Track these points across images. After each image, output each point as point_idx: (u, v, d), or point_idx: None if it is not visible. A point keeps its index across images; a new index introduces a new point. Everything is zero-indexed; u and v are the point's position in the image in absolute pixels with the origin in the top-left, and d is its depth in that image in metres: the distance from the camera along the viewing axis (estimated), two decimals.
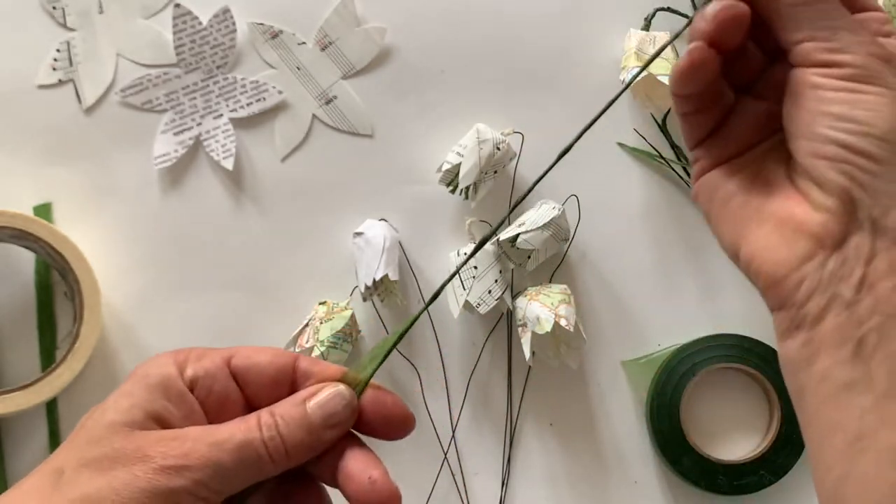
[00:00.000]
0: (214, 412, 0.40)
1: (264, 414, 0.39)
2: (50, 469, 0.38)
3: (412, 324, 0.44)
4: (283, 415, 0.39)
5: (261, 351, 0.42)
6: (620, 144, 0.72)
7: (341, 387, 0.41)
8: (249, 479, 0.39)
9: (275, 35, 0.70)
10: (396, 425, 0.43)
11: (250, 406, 0.41)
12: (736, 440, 0.69)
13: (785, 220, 0.38)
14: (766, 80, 0.42)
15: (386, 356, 0.42)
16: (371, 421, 0.42)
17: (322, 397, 0.40)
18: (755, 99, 0.43)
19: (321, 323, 0.65)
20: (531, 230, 0.65)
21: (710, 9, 0.39)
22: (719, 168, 0.43)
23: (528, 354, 0.64)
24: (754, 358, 0.68)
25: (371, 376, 0.42)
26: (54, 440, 0.66)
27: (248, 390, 0.41)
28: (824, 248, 0.37)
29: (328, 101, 0.70)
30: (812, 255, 0.37)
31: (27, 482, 0.38)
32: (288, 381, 0.41)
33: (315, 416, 0.40)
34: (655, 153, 0.71)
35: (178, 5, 0.69)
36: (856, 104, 0.37)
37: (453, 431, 0.69)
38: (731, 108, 0.43)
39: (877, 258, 0.36)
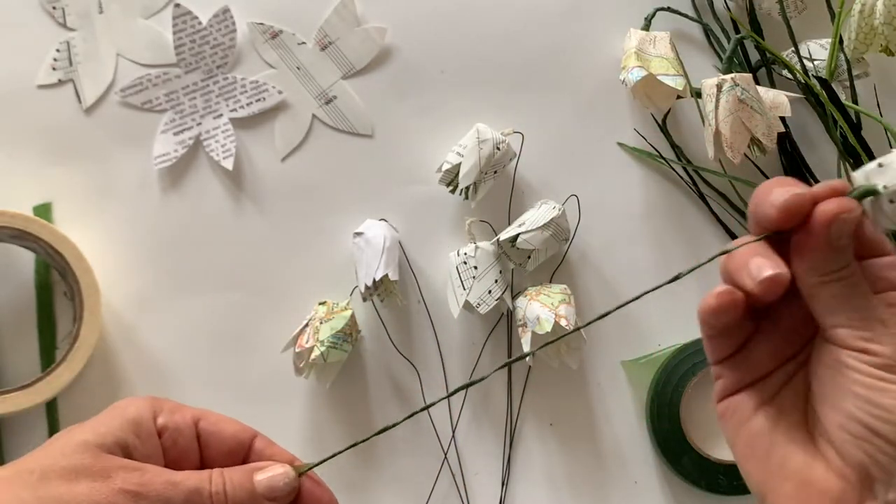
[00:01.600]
0: (172, 461, 0.45)
1: (216, 472, 0.45)
2: (21, 468, 0.42)
3: (375, 434, 0.48)
4: (233, 478, 0.45)
5: (227, 421, 0.47)
6: (620, 144, 0.72)
7: (288, 468, 0.46)
8: None
9: (275, 35, 0.70)
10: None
11: (203, 465, 0.46)
12: None
13: (806, 482, 0.41)
14: (784, 311, 0.45)
15: (337, 454, 0.47)
16: None
17: (270, 473, 0.46)
18: (774, 325, 0.45)
19: (321, 323, 0.65)
20: (531, 230, 0.65)
21: (755, 269, 0.43)
22: (743, 393, 0.45)
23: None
24: None
25: (317, 465, 0.47)
26: None
27: (206, 452, 0.47)
28: None
29: (328, 101, 0.70)
30: None
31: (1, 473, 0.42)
32: (242, 454, 0.47)
33: (260, 486, 0.45)
34: (655, 153, 0.71)
35: (178, 5, 0.69)
36: (885, 392, 0.39)
37: (453, 431, 0.69)
38: (753, 333, 0.45)
39: None
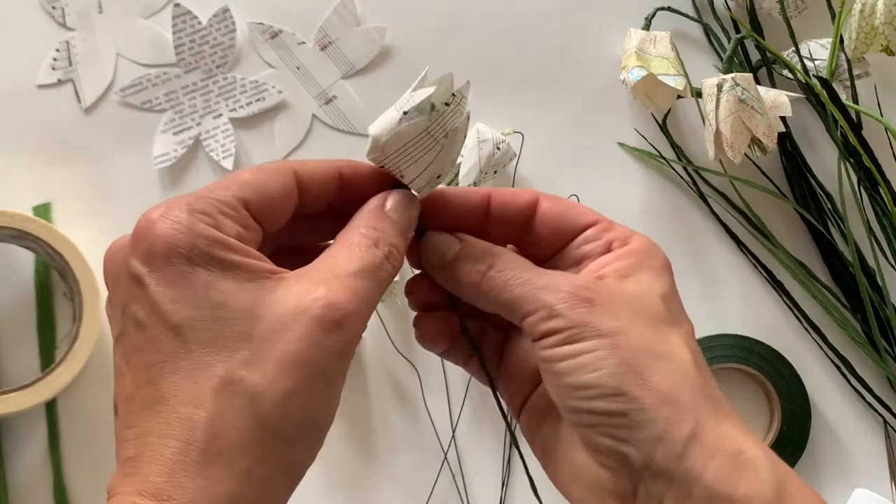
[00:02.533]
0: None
1: (365, 231, 0.38)
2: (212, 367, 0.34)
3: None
4: (378, 227, 0.38)
5: (268, 179, 0.38)
6: (621, 144, 0.72)
7: (405, 190, 0.40)
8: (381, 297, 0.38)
9: (275, 35, 0.70)
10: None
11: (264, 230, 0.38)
12: None
13: (591, 484, 0.39)
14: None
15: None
16: None
17: (397, 201, 0.40)
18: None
19: None
20: None
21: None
22: (524, 413, 0.43)
23: None
24: (754, 358, 0.68)
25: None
26: (54, 440, 0.66)
27: (264, 224, 0.38)
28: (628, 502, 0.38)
29: (328, 101, 0.70)
30: None
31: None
32: (294, 195, 0.39)
33: (401, 220, 0.39)
34: (656, 153, 0.71)
35: (177, 5, 0.69)
36: (581, 370, 0.37)
37: (453, 431, 0.69)
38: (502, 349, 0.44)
39: (665, 499, 0.36)
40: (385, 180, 0.41)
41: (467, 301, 0.41)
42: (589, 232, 0.41)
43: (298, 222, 0.40)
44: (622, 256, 0.40)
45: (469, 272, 0.40)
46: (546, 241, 0.42)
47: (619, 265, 0.40)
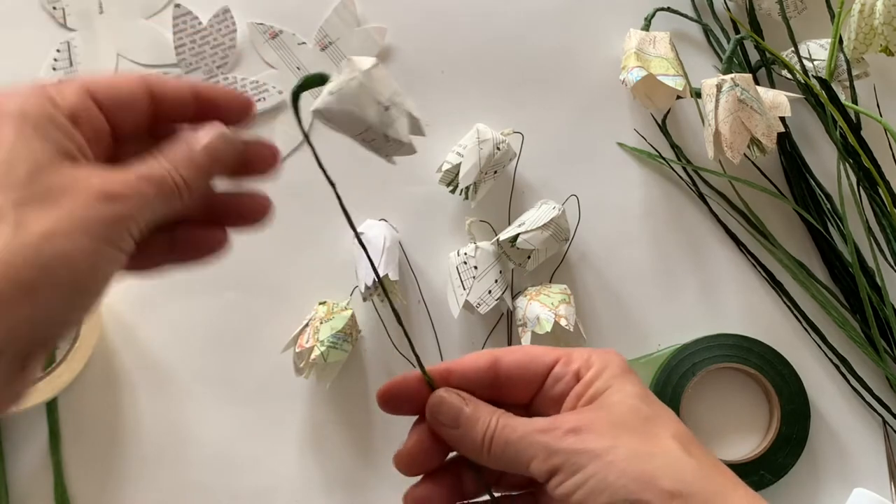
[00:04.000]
0: (91, 145, 0.40)
1: (161, 159, 0.40)
2: None
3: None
4: (175, 158, 0.41)
5: (116, 77, 0.41)
6: (620, 144, 0.72)
7: (219, 126, 0.42)
8: (164, 210, 0.40)
9: (275, 35, 0.70)
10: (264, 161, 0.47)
11: (115, 134, 0.41)
12: (736, 440, 0.69)
13: None
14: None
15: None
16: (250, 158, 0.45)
17: (206, 137, 0.42)
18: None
19: (321, 323, 0.65)
20: (531, 230, 0.65)
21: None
22: None
23: None
24: (754, 358, 0.68)
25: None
26: (54, 440, 0.66)
27: (111, 119, 0.41)
28: None
29: None
30: None
31: None
32: (143, 100, 0.42)
33: (202, 156, 0.41)
34: (655, 153, 0.71)
35: (178, 5, 0.69)
36: (592, 496, 0.41)
37: None
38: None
39: None
40: (225, 106, 0.44)
41: (474, 459, 0.45)
42: (556, 371, 0.45)
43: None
44: (591, 381, 0.44)
45: (478, 434, 0.44)
46: (518, 391, 0.45)
47: (591, 391, 0.44)
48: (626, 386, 0.44)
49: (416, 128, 0.44)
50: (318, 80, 0.43)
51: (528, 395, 0.46)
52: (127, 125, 0.41)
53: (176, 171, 0.40)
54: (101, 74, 0.42)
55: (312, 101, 0.43)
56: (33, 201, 0.36)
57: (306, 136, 0.45)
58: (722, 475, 0.42)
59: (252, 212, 0.47)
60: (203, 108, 0.43)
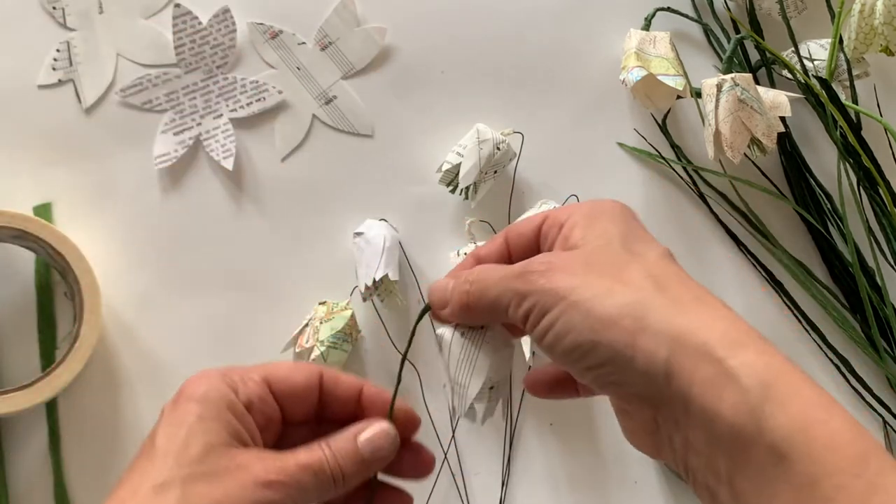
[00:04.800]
0: (262, 431, 0.45)
1: (325, 447, 0.44)
2: (151, 486, 0.41)
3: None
4: (338, 448, 0.44)
5: (294, 370, 0.46)
6: (620, 144, 0.72)
7: (386, 424, 0.46)
8: (319, 498, 0.44)
9: (275, 35, 0.70)
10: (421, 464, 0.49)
11: (285, 421, 0.46)
12: None
13: (633, 430, 0.43)
14: None
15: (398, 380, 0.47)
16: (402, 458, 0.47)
17: (370, 433, 0.45)
18: None
19: (321, 323, 0.65)
20: None
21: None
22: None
23: (528, 354, 0.64)
24: None
25: (394, 400, 0.47)
26: (54, 440, 0.66)
27: (284, 408, 0.46)
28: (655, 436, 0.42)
29: (328, 101, 0.70)
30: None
31: (129, 499, 0.41)
32: (315, 393, 0.46)
33: (365, 451, 0.45)
34: (655, 153, 0.71)
35: (178, 5, 0.69)
36: (560, 338, 0.41)
37: (453, 431, 0.69)
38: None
39: (678, 424, 0.39)
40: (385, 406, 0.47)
41: (468, 322, 0.46)
42: (544, 227, 0.45)
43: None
44: (573, 226, 0.43)
45: (459, 297, 0.45)
46: (526, 258, 0.45)
47: (573, 236, 0.43)
48: (609, 227, 0.43)
49: (489, 414, 0.47)
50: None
51: (528, 253, 0.45)
52: (298, 414, 0.46)
53: (336, 462, 0.44)
54: (280, 365, 0.46)
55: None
56: (201, 479, 0.41)
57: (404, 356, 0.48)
58: (699, 309, 0.40)
59: (415, 471, 0.49)
60: (366, 409, 0.47)
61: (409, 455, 0.47)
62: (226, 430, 0.42)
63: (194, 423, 0.42)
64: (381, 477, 0.48)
